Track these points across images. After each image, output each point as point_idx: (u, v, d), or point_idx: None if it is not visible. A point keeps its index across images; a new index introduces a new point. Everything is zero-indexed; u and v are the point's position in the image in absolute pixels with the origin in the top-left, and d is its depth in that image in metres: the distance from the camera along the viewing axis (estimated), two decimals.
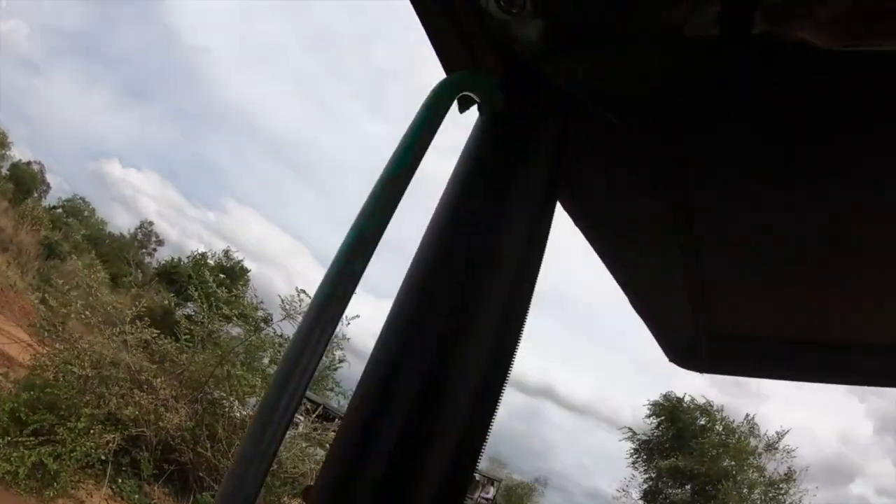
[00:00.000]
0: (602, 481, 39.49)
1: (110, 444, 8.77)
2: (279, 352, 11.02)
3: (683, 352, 1.78)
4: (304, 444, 7.85)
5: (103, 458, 8.88)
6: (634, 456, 20.91)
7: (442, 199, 0.81)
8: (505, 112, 0.83)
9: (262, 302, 12.84)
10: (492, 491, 18.90)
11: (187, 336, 10.55)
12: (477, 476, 19.21)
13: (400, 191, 0.70)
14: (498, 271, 0.76)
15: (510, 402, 62.83)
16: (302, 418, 10.88)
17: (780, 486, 18.59)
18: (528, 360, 66.75)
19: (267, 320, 12.65)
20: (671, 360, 1.80)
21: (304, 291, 10.70)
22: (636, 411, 21.31)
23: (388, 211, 0.69)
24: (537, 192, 0.84)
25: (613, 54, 0.82)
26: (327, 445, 8.50)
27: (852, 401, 68.86)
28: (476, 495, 18.01)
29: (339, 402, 18.08)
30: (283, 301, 10.99)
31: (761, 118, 0.94)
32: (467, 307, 0.73)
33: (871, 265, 1.24)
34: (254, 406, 8.71)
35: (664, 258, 1.38)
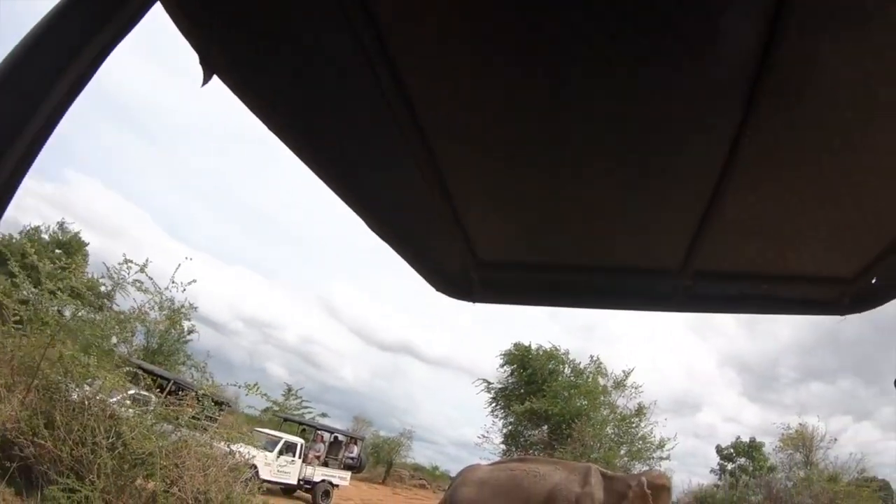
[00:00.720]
0: (468, 430, 41.37)
1: None
2: (125, 328, 10.31)
3: (451, 281, 1.75)
4: (150, 422, 7.35)
5: None
6: (492, 404, 22.04)
7: None
8: None
9: (102, 276, 11.68)
10: (356, 450, 18.97)
11: (16, 318, 9.42)
12: (340, 437, 19.24)
13: None
14: None
15: (370, 361, 63.23)
16: (153, 396, 10.20)
17: (632, 420, 20.37)
18: (385, 318, 67.39)
19: (110, 295, 11.64)
20: (438, 290, 1.77)
21: (130, 261, 9.90)
22: (493, 361, 22.36)
23: None
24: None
25: None
26: (179, 419, 8.08)
27: (693, 338, 77.44)
28: (340, 456, 18.06)
29: (193, 376, 17.15)
30: (108, 270, 10.23)
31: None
32: None
33: (632, 189, 1.27)
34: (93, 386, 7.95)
35: (404, 181, 1.33)
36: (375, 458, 30.20)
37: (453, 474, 35.57)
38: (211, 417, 12.72)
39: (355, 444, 19.45)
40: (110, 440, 6.87)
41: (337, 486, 17.28)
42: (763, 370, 70.46)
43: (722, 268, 1.58)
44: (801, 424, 24.14)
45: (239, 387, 19.56)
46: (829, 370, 67.76)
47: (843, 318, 1.64)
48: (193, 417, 8.55)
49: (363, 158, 1.31)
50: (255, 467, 13.91)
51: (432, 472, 36.15)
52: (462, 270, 1.68)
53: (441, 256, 1.69)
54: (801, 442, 23.50)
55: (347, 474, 17.94)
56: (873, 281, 1.51)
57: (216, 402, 15.88)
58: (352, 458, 18.54)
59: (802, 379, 68.81)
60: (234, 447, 8.88)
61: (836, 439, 22.99)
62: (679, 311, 1.75)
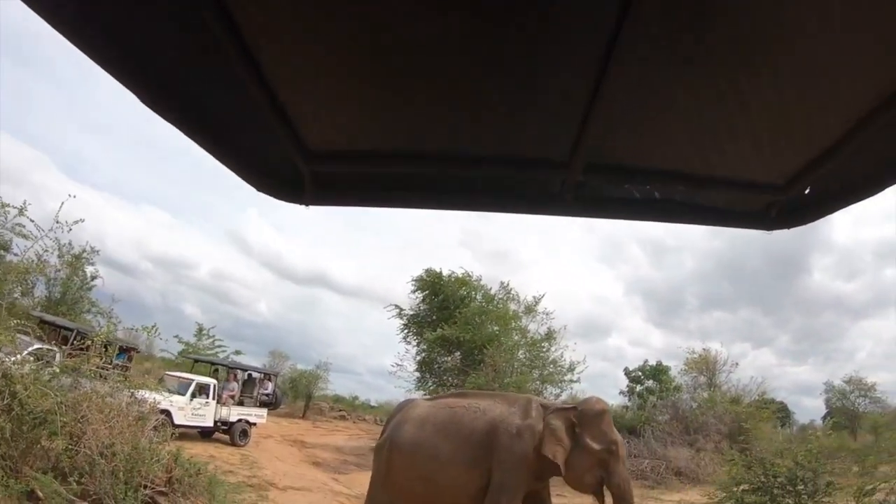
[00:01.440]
0: (385, 358, 42.06)
1: None
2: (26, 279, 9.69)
3: (276, 181, 1.50)
4: (46, 378, 7.00)
5: None
6: (405, 331, 22.38)
7: None
8: None
9: None
10: (270, 386, 18.83)
11: None
12: (254, 374, 19.02)
13: None
14: None
15: (284, 295, 62.40)
16: (57, 349, 9.71)
17: (542, 345, 21.08)
18: (297, 251, 66.13)
19: (5, 247, 10.83)
20: (261, 190, 1.50)
21: (7, 205, 9.23)
22: (406, 288, 22.57)
23: None
24: None
25: None
26: (80, 370, 7.74)
27: (603, 267, 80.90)
28: (255, 393, 17.91)
29: (100, 324, 16.36)
30: None
31: None
32: None
33: (506, 64, 1.07)
34: None
35: (203, 56, 1.11)
36: (294, 392, 30.23)
37: (374, 404, 36.79)
38: (122, 366, 12.18)
39: (270, 380, 19.29)
40: (5, 401, 6.50)
41: (255, 424, 17.18)
42: (668, 298, 75.16)
43: (618, 162, 1.37)
44: (704, 349, 25.74)
45: (136, 330, 19.03)
46: (730, 300, 73.11)
47: (769, 232, 1.52)
48: (100, 367, 8.20)
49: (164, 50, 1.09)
50: (169, 413, 13.63)
51: (352, 403, 36.95)
52: (290, 166, 1.41)
53: (265, 152, 1.43)
54: (704, 366, 25.11)
55: (264, 411, 17.85)
56: (806, 192, 1.40)
57: (124, 349, 15.34)
58: (267, 395, 18.45)
59: (705, 307, 74.13)
60: (139, 394, 8.62)
61: (737, 364, 24.68)
62: (569, 215, 1.48)
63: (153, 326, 18.81)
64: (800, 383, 63.99)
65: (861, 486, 9.76)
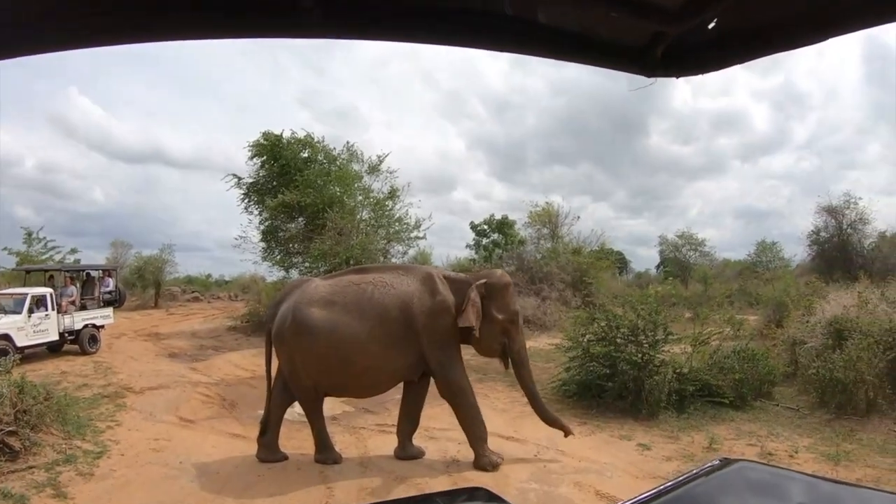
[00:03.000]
0: (233, 231, 39.91)
1: None
2: None
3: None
4: None
5: None
6: (245, 200, 20.88)
7: None
8: None
9: None
10: (111, 282, 17.52)
11: None
12: (91, 273, 17.70)
13: None
14: None
15: (115, 177, 57.05)
16: None
17: (386, 203, 20.69)
18: (127, 127, 59.85)
19: None
20: None
21: None
22: (245, 154, 20.46)
23: None
24: None
25: None
26: None
27: (445, 122, 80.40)
28: (96, 294, 16.71)
29: None
30: None
31: None
32: None
33: None
34: None
35: None
36: (142, 282, 28.26)
37: (227, 278, 35.19)
38: None
39: (110, 276, 17.99)
40: None
41: (102, 326, 16.19)
42: (511, 153, 76.88)
43: None
44: (546, 203, 27.02)
45: None
46: (571, 156, 75.93)
47: (653, 80, 1.41)
48: None
49: None
50: (9, 337, 12.91)
51: (205, 282, 35.05)
52: None
53: None
54: (547, 218, 26.33)
55: (109, 311, 16.68)
56: (707, 28, 1.25)
57: None
58: (109, 293, 17.21)
59: (547, 162, 76.66)
60: None
61: (578, 217, 26.43)
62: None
63: None
64: (636, 235, 68.44)
65: (696, 336, 10.91)
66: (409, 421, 7.65)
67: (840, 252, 25.97)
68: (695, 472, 2.06)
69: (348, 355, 6.89)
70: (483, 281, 7.33)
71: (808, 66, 75.47)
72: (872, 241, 26.01)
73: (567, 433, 7.54)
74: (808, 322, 12.22)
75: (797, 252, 29.96)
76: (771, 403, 10.03)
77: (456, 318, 7.09)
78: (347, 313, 6.96)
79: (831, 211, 26.64)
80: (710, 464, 2.13)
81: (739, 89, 75.07)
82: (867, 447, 7.80)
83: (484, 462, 7.05)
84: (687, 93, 79.00)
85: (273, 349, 7.37)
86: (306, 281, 7.79)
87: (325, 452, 7.30)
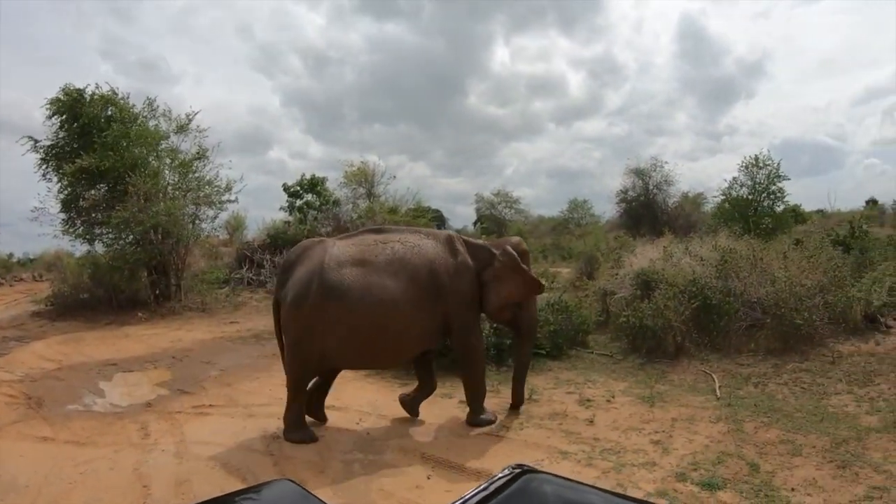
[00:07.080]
0: (35, 202, 34.97)
1: None
2: None
3: None
4: None
5: None
6: (44, 166, 18.24)
7: None
8: None
9: None
10: None
11: None
12: None
13: None
14: None
15: None
16: None
17: (194, 164, 19.16)
18: None
19: None
20: None
21: None
22: (44, 112, 17.65)
23: None
24: None
25: None
26: None
27: (260, 76, 76.28)
28: None
29: None
30: None
31: None
32: None
33: None
34: None
35: None
36: None
37: (32, 256, 30.75)
38: None
39: None
40: None
41: None
42: (328, 110, 75.13)
43: None
44: (363, 162, 27.04)
45: None
46: (388, 114, 75.76)
47: None
48: None
49: None
50: None
51: (7, 262, 30.48)
52: None
53: None
54: (363, 177, 26.41)
55: None
56: None
57: None
58: None
59: (365, 120, 76.07)
60: None
61: (394, 176, 26.54)
62: None
63: None
64: (453, 193, 70.92)
65: None
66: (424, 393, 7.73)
67: (646, 210, 28.88)
68: (484, 485, 1.92)
69: (381, 320, 6.53)
70: (508, 246, 7.26)
71: (627, 38, 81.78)
72: (676, 201, 29.22)
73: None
74: (617, 274, 13.34)
75: (607, 210, 33.23)
76: (586, 351, 10.66)
77: (478, 280, 7.08)
78: (380, 274, 6.65)
79: (639, 173, 29.50)
80: (499, 475, 2.03)
81: (558, 56, 79.68)
82: (679, 388, 8.40)
83: (483, 420, 7.20)
84: (506, 56, 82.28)
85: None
86: (319, 242, 7.24)
87: (299, 432, 6.92)
